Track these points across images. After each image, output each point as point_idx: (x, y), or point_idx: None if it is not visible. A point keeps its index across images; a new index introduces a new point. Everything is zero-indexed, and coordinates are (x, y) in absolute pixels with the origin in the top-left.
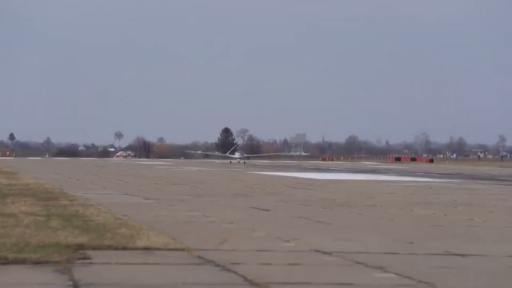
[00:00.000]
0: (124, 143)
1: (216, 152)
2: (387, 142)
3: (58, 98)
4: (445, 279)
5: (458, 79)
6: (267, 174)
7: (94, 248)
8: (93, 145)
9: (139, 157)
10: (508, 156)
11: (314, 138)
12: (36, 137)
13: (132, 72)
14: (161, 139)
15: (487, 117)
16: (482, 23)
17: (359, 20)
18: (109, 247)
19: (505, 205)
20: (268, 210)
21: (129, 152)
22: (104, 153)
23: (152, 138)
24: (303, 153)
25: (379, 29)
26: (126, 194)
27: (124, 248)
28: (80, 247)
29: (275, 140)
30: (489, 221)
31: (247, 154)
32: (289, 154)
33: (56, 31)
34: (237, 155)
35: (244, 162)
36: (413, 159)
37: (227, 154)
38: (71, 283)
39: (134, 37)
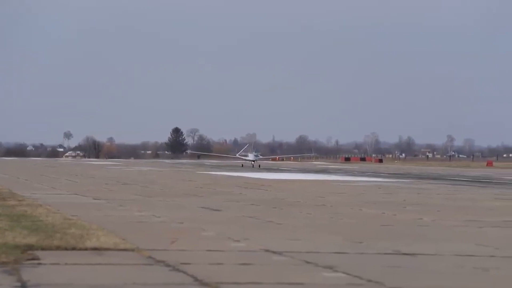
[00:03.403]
0: (73, 143)
1: (240, 154)
2: (337, 142)
3: (5, 96)
4: (394, 279)
5: (405, 79)
6: (217, 174)
7: (43, 248)
8: (41, 145)
9: (89, 157)
10: (456, 156)
11: (264, 138)
12: None
13: (80, 71)
14: (110, 139)
15: (435, 117)
16: (428, 20)
17: (304, 21)
18: (58, 248)
19: (453, 205)
20: (218, 210)
21: (79, 152)
22: (53, 153)
23: (101, 138)
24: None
25: (324, 30)
26: (76, 194)
27: (74, 249)
28: (29, 247)
29: (225, 140)
30: (437, 220)
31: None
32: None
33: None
34: (250, 156)
35: (259, 166)
36: (363, 159)
37: (237, 155)
38: (19, 284)
39: (82, 36)
